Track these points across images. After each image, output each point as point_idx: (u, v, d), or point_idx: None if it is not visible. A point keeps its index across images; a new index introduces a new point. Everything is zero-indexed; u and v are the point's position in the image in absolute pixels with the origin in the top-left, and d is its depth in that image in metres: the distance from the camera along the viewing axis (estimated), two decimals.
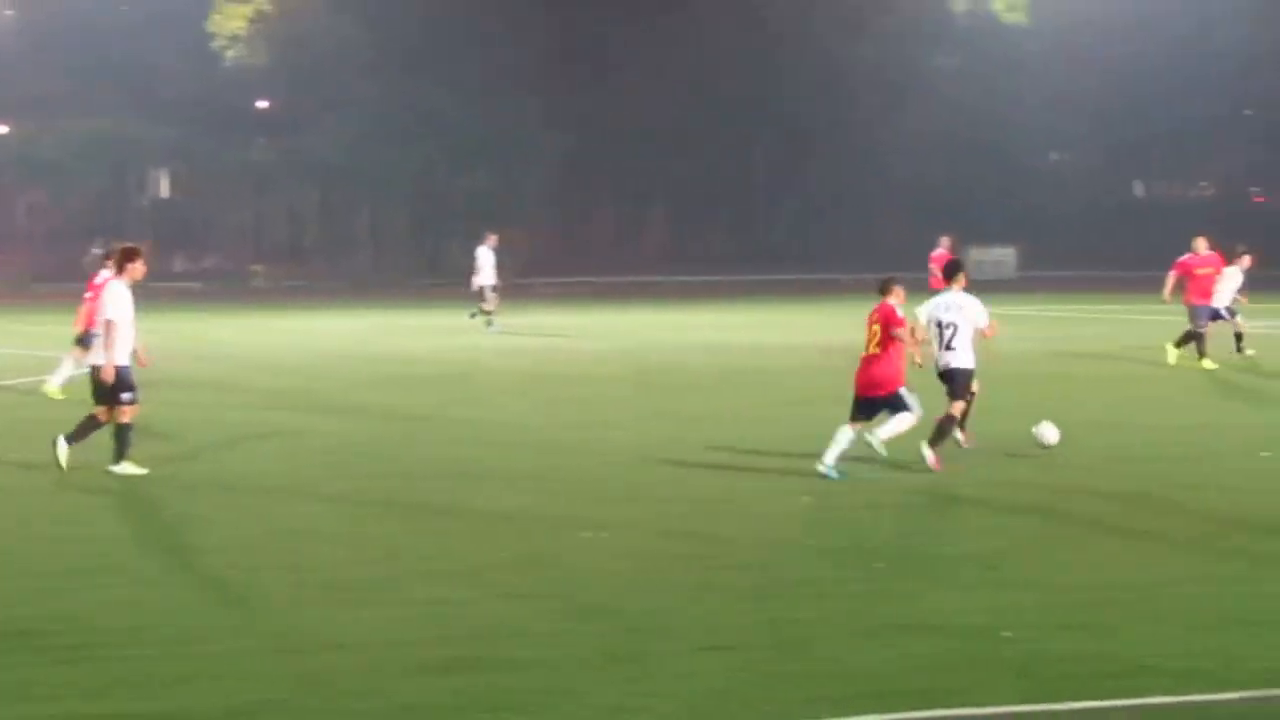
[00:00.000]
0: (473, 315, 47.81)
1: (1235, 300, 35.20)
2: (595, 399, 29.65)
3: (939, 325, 21.11)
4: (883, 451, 19.86)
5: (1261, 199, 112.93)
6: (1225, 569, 14.85)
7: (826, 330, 47.11)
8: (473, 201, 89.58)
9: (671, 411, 27.26)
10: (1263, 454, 21.66)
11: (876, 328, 20.04)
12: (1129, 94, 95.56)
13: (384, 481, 19.98)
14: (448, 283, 65.78)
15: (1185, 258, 34.81)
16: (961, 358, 20.98)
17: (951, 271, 21.72)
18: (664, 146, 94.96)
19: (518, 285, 50.55)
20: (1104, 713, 10.78)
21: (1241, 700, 10.91)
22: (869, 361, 20.07)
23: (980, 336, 21.20)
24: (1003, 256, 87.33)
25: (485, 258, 47.71)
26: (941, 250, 45.45)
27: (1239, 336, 35.14)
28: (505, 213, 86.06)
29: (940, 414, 20.69)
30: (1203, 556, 15.44)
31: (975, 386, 21.50)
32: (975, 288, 21.60)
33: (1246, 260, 35.66)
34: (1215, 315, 34.27)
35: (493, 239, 48.34)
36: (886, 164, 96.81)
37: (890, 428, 19.95)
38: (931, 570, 14.88)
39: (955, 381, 20.96)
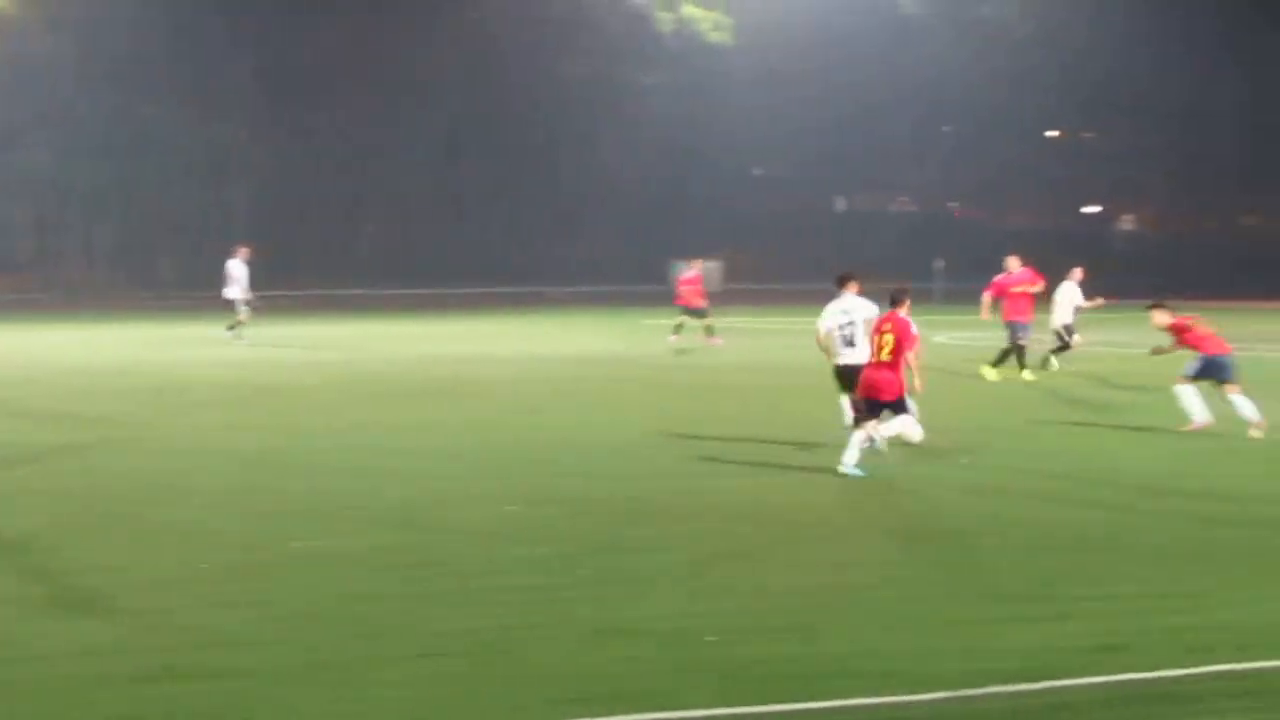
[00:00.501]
0: (230, 328, 47.57)
1: (1079, 311, 36.10)
2: (302, 409, 29.38)
3: (842, 326, 22.68)
4: (884, 447, 21.04)
5: (958, 212, 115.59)
6: (920, 572, 15.08)
7: (536, 340, 47.27)
8: (184, 215, 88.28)
9: (377, 421, 27.13)
10: (962, 460, 22.07)
11: (890, 338, 20.79)
12: (830, 110, 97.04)
13: (87, 491, 19.54)
14: (159, 296, 64.86)
15: (999, 277, 35.28)
16: (861, 355, 22.10)
17: (843, 279, 23.26)
18: (375, 159, 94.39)
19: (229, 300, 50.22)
20: (804, 715, 10.86)
21: (939, 700, 11.04)
22: (877, 368, 20.83)
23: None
24: (708, 270, 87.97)
25: (237, 270, 47.39)
26: (692, 272, 45.68)
27: (1064, 348, 36.00)
28: (217, 227, 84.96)
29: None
30: (898, 560, 15.65)
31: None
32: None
33: (1079, 273, 36.37)
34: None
35: (244, 251, 48.02)
36: (597, 179, 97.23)
37: (892, 427, 20.95)
38: (636, 576, 14.90)
39: (857, 375, 21.85)
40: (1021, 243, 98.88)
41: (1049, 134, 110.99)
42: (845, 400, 23.21)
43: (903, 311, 21.22)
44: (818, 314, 23.03)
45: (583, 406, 29.99)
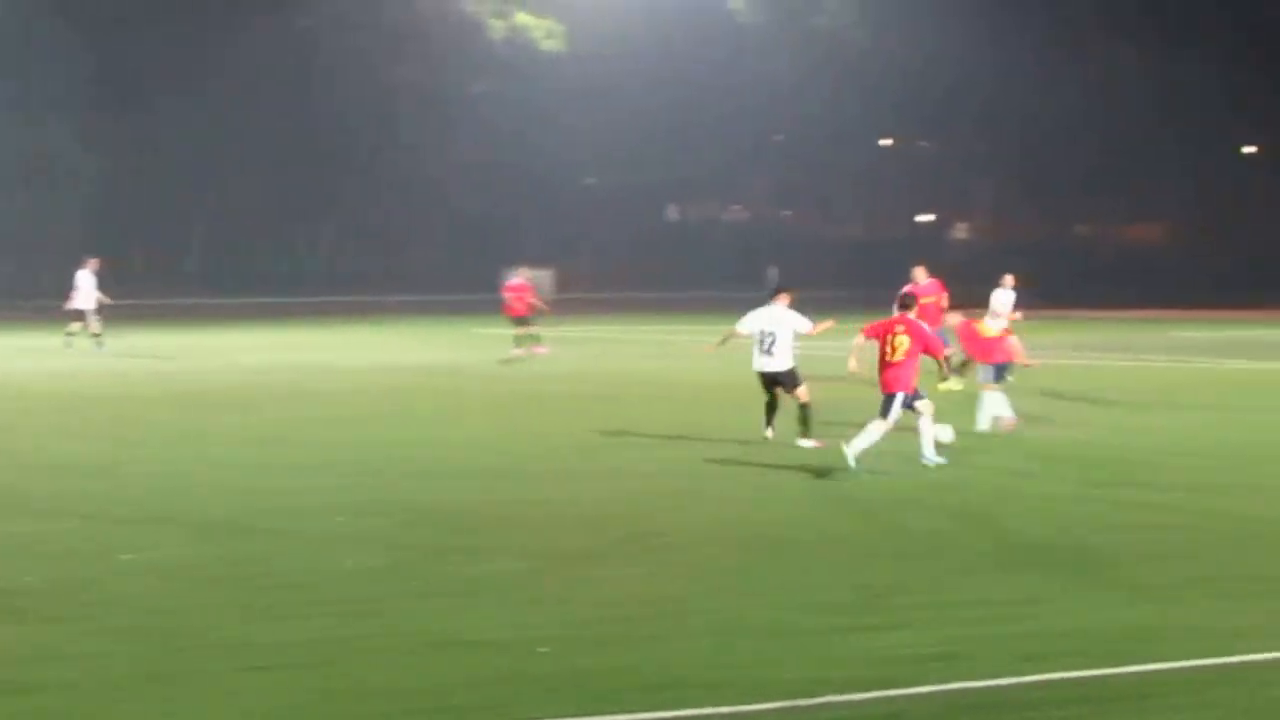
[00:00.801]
0: (68, 336, 47.52)
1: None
2: (136, 419, 29.00)
3: (761, 334, 24.59)
4: (853, 464, 21.49)
5: (791, 220, 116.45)
6: (756, 581, 15.04)
7: (370, 350, 46.99)
8: (11, 223, 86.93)
9: (209, 431, 26.86)
10: (804, 472, 22.05)
11: (905, 339, 21.89)
12: (663, 119, 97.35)
13: None
14: None
15: (908, 288, 35.17)
16: (780, 362, 24.51)
17: (776, 290, 25.26)
18: (205, 170, 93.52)
19: (59, 309, 49.69)
20: None
21: (774, 710, 11.01)
22: (893, 365, 21.94)
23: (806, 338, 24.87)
24: (539, 278, 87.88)
25: (85, 281, 47.57)
26: (519, 280, 45.33)
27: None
28: (46, 235, 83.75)
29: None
30: (734, 569, 15.61)
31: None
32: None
33: (1010, 280, 36.29)
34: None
35: (93, 263, 48.17)
36: (429, 188, 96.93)
37: (863, 441, 21.67)
38: (468, 588, 14.78)
39: (781, 382, 24.59)
40: (853, 251, 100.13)
41: (883, 142, 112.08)
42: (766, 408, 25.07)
43: (912, 315, 22.52)
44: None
45: (414, 416, 29.84)
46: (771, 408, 25.17)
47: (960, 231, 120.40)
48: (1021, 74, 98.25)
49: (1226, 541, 16.82)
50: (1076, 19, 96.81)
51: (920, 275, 35.34)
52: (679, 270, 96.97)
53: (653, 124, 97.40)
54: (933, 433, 22.12)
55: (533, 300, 44.27)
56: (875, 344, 22.27)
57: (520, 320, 44.07)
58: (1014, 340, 27.09)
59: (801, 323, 24.66)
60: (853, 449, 21.60)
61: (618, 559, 16.15)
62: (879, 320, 22.81)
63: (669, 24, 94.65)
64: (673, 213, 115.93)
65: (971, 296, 37.98)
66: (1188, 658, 12.16)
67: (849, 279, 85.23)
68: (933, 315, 34.35)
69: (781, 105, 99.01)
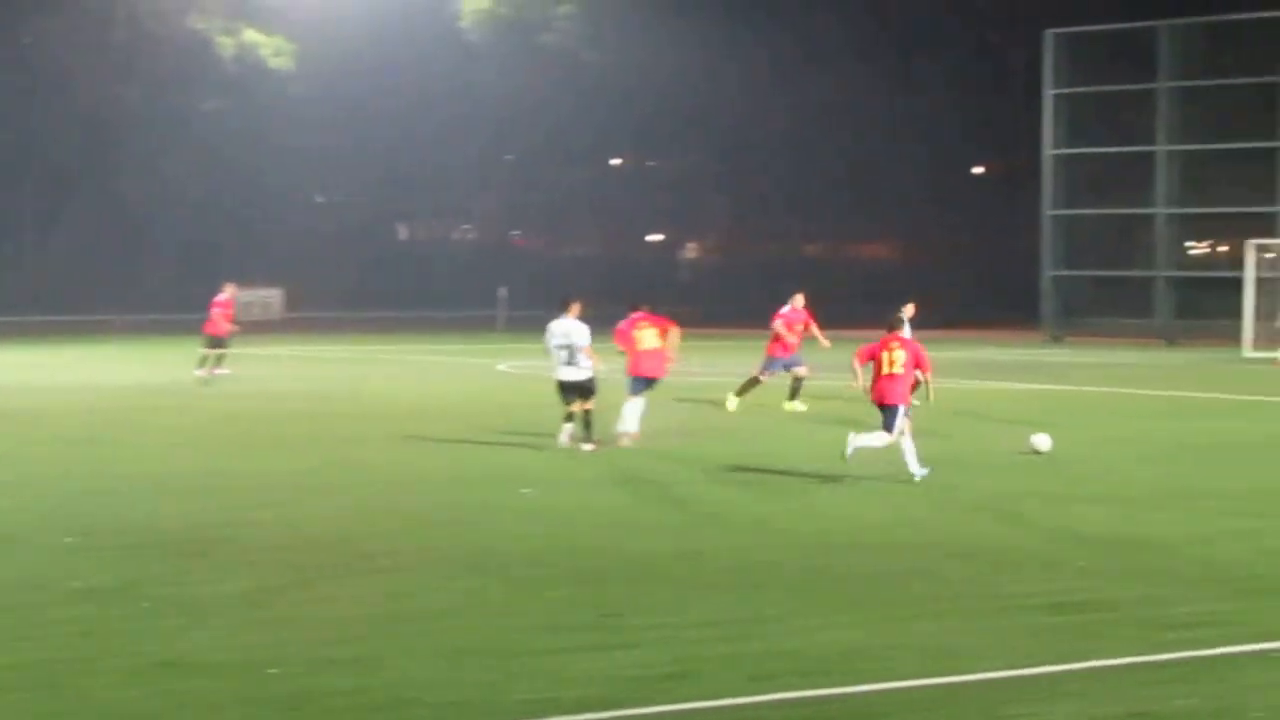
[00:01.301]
0: None
1: None
2: None
3: (558, 347, 26.37)
4: (849, 457, 22.80)
5: (521, 241, 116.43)
6: (486, 601, 15.04)
7: (96, 370, 46.17)
8: None
9: None
10: (523, 490, 22.13)
11: (901, 353, 23.15)
12: (394, 138, 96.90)
13: None
14: None
15: (786, 310, 35.17)
16: (582, 372, 26.24)
17: (566, 303, 26.76)
18: None
19: None
20: None
21: None
22: (890, 379, 23.13)
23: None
24: (269, 297, 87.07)
25: None
26: (225, 295, 44.55)
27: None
28: None
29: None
30: (464, 589, 15.58)
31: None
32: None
33: (910, 309, 36.21)
34: (788, 366, 34.58)
35: None
36: (160, 206, 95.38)
37: (861, 441, 22.90)
38: (198, 609, 14.61)
39: (576, 390, 26.33)
40: (583, 270, 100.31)
41: (614, 161, 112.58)
42: (567, 418, 26.46)
43: (904, 331, 23.92)
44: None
45: (139, 437, 29.43)
46: (570, 417, 26.54)
47: (691, 251, 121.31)
48: (753, 94, 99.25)
49: (955, 560, 17.10)
50: (809, 40, 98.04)
51: (799, 301, 35.59)
52: (409, 290, 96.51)
53: (382, 143, 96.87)
54: (911, 448, 23.10)
55: (229, 321, 43.22)
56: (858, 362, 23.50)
57: (217, 340, 42.94)
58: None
59: (585, 335, 26.40)
60: (853, 443, 22.91)
61: (349, 579, 16.07)
62: (870, 344, 23.70)
63: (398, 42, 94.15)
64: (402, 232, 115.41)
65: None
66: (916, 676, 12.34)
67: (579, 299, 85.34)
68: (789, 342, 34.74)
69: (511, 124, 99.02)
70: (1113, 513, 20.48)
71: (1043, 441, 26.11)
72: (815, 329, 35.43)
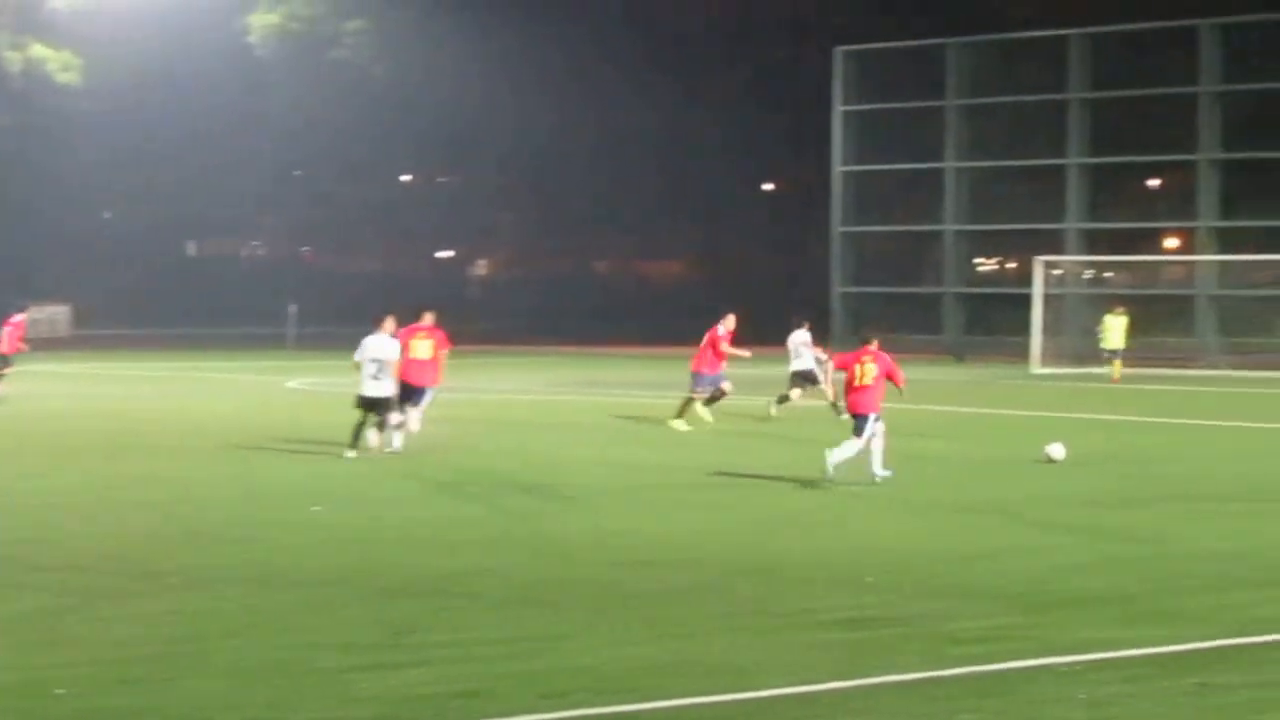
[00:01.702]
0: None
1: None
2: None
3: (370, 360, 27.21)
4: (831, 475, 24.04)
5: (310, 257, 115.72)
6: (279, 620, 14.92)
7: None
8: None
9: None
10: (313, 508, 22.00)
11: (873, 366, 24.80)
12: (182, 154, 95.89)
13: None
14: None
15: (721, 331, 35.13)
16: (386, 387, 27.29)
17: (379, 320, 27.89)
18: None
19: None
20: None
21: None
22: (862, 389, 24.70)
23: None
24: (56, 314, 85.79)
25: None
26: (21, 317, 43.46)
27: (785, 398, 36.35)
28: None
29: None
30: (257, 608, 15.42)
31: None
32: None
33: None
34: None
35: None
36: None
37: (841, 453, 24.25)
38: None
39: (377, 405, 27.28)
40: (373, 287, 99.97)
41: (404, 178, 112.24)
42: (370, 426, 27.45)
43: (874, 346, 25.25)
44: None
45: None
46: (361, 428, 27.44)
47: (480, 268, 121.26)
48: (547, 111, 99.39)
49: (747, 576, 17.19)
50: (603, 57, 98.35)
51: (731, 321, 35.54)
52: (199, 307, 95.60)
53: (170, 158, 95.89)
54: (880, 450, 24.70)
55: (20, 341, 42.46)
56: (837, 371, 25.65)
57: (4, 359, 42.15)
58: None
59: (396, 352, 27.67)
60: (832, 459, 24.09)
61: (139, 598, 15.85)
62: (847, 352, 25.89)
63: (187, 57, 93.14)
64: (191, 248, 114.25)
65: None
66: (708, 694, 12.34)
67: (369, 315, 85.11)
68: (717, 360, 34.89)
69: (301, 140, 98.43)
70: (903, 528, 20.72)
71: (1057, 450, 27.50)
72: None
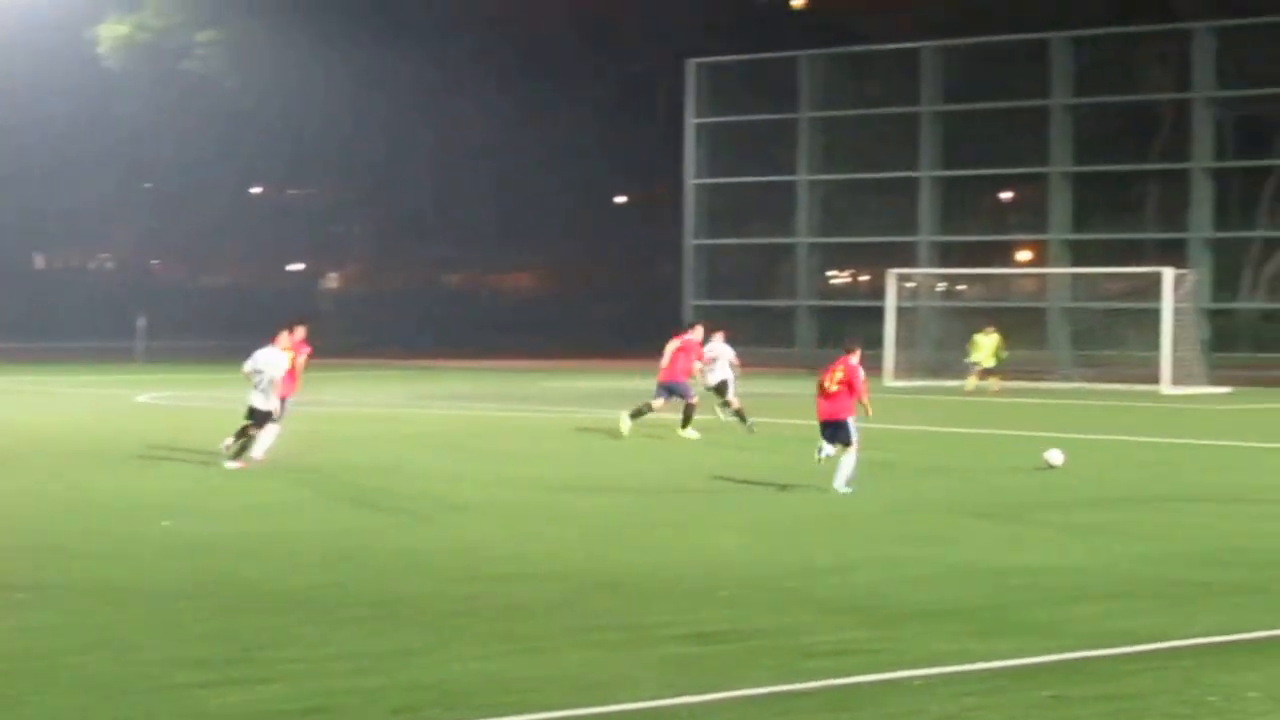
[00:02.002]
0: None
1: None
2: None
3: (255, 372, 27.69)
4: (846, 489, 25.22)
5: (160, 269, 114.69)
6: (129, 636, 14.73)
7: None
8: None
9: None
10: (163, 522, 21.77)
11: (840, 374, 25.65)
12: (30, 165, 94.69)
13: None
14: None
15: (692, 338, 35.95)
16: (269, 401, 27.72)
17: (274, 335, 28.33)
18: None
19: None
20: None
21: None
22: (831, 396, 25.64)
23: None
24: None
25: None
26: None
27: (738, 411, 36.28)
28: None
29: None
30: (108, 623, 15.24)
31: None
32: None
33: (720, 335, 37.62)
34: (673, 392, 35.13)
35: None
36: None
37: (844, 472, 25.34)
38: None
39: (261, 418, 27.79)
40: (222, 300, 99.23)
41: (254, 190, 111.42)
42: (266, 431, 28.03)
43: (853, 359, 26.00)
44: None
45: None
46: (248, 441, 28.03)
47: (332, 281, 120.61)
48: (394, 123, 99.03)
49: (600, 590, 17.23)
50: (453, 69, 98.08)
51: (699, 332, 36.56)
52: (46, 320, 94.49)
53: (17, 169, 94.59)
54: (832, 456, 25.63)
55: None
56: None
57: None
58: None
59: (282, 366, 28.04)
60: (840, 481, 25.22)
61: None
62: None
63: (35, 67, 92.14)
64: (39, 261, 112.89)
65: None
66: (560, 708, 12.35)
67: (219, 328, 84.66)
68: (684, 368, 35.51)
69: (151, 151, 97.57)
70: (757, 541, 20.82)
71: (1055, 456, 28.77)
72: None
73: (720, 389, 37.57)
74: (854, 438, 25.44)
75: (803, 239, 73.38)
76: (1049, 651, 14.22)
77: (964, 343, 57.24)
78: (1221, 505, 25.15)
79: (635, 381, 52.53)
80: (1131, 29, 71.21)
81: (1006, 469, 30.02)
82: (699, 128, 75.24)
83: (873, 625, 15.45)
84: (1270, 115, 72.47)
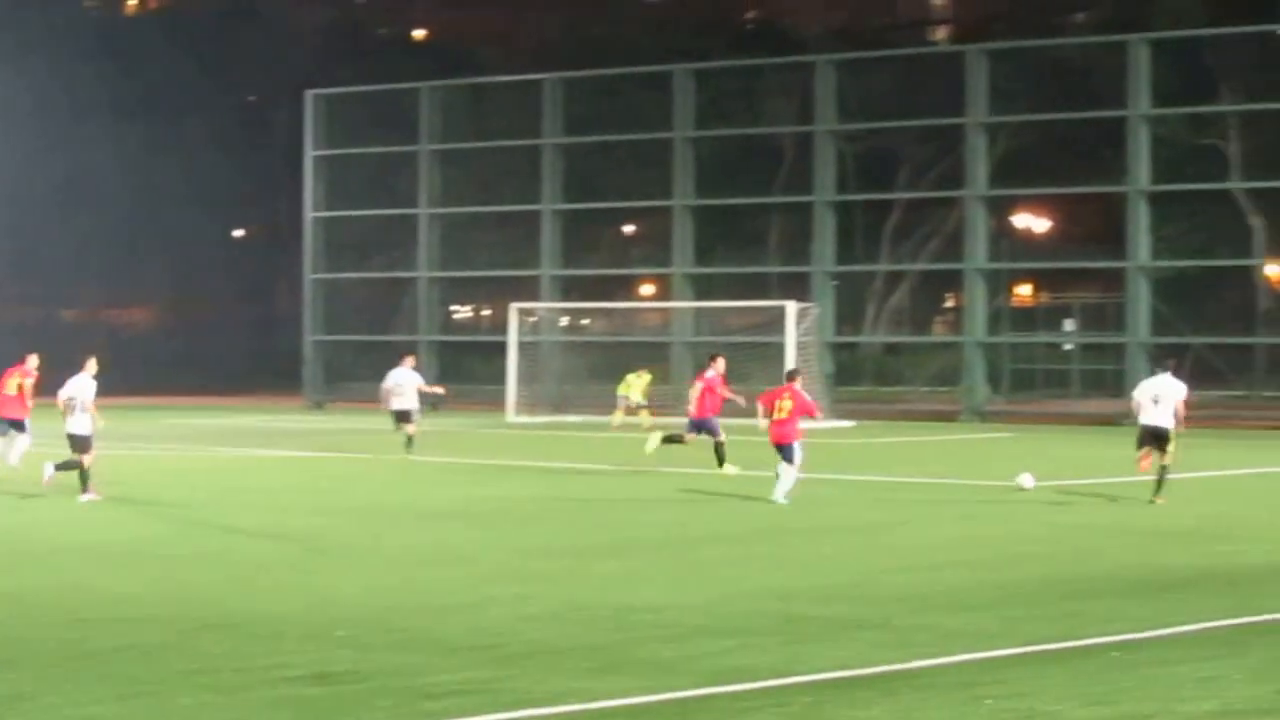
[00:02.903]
0: None
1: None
2: None
3: (68, 399, 29.76)
4: (785, 501, 29.35)
5: None
6: None
7: None
8: None
9: None
10: None
11: (789, 402, 29.51)
12: None
13: None
14: None
15: (711, 377, 36.14)
16: (80, 425, 29.61)
17: (83, 361, 30.38)
18: None
19: None
20: None
21: None
22: (781, 423, 29.47)
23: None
24: None
25: None
26: None
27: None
28: None
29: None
30: None
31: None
32: None
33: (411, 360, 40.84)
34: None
35: None
36: None
37: (784, 485, 29.46)
38: None
39: (75, 443, 29.77)
40: None
41: None
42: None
43: (797, 384, 30.11)
44: None
45: None
46: (70, 464, 29.65)
47: None
48: (7, 152, 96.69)
49: (212, 631, 16.99)
50: (69, 98, 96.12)
51: (721, 364, 36.70)
52: None
53: None
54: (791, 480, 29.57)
55: None
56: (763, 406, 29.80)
57: None
58: None
59: (89, 392, 29.85)
60: (779, 493, 29.33)
61: None
62: (769, 391, 30.50)
63: None
64: None
65: None
66: None
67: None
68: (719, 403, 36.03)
69: None
70: (374, 581, 20.70)
71: (1027, 480, 31.47)
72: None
73: (402, 416, 38.62)
74: (798, 458, 29.37)
75: (424, 273, 73.25)
76: (670, 689, 14.30)
77: (589, 378, 57.71)
78: (844, 540, 25.73)
79: (251, 419, 52.04)
80: (753, 61, 72.84)
81: (632, 505, 30.33)
82: (318, 160, 74.73)
83: (495, 664, 15.45)
84: (891, 149, 74.79)
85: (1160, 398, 30.59)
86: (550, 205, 70.57)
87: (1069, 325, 75.15)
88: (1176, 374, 30.95)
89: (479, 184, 74.39)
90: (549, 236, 70.69)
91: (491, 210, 74.11)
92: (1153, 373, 33.24)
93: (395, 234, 75.55)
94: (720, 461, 35.60)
